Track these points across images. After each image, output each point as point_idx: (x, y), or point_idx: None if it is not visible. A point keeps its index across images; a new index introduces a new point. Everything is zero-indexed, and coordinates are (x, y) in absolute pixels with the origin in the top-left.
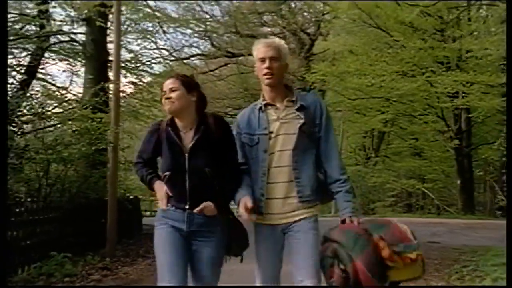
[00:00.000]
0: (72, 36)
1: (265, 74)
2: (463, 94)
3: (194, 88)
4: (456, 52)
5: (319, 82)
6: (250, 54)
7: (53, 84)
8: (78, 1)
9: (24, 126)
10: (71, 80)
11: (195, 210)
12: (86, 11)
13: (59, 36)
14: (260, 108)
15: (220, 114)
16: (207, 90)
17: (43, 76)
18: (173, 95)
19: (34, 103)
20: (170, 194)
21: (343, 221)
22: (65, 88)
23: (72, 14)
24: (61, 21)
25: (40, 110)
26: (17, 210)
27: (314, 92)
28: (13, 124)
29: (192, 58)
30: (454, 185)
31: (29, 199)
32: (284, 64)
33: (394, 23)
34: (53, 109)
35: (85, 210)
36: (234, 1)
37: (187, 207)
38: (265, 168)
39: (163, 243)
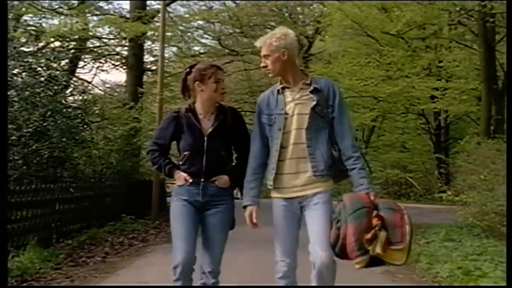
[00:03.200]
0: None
1: (265, 70)
2: (436, 99)
3: None
4: (434, 61)
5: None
6: (254, 53)
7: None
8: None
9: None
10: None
11: (210, 181)
12: (133, 35)
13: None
14: (278, 90)
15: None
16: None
17: (96, 85)
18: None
19: (99, 106)
20: (187, 178)
21: None
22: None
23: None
24: (108, 38)
25: (101, 112)
26: (87, 186)
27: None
28: (86, 122)
29: (202, 56)
30: (433, 175)
31: (92, 180)
32: (278, 56)
33: (380, 33)
34: (110, 110)
35: (133, 187)
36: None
37: (202, 179)
38: (278, 145)
39: (178, 216)
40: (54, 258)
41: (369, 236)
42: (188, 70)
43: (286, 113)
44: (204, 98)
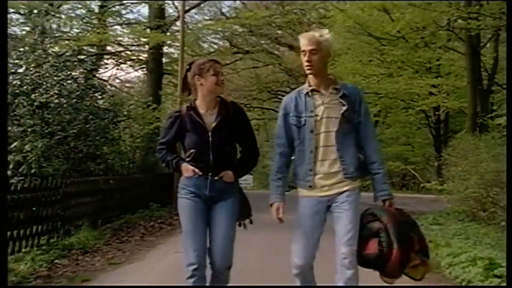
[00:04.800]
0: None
1: (306, 66)
2: (433, 95)
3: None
4: (431, 59)
5: None
6: (262, 51)
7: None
8: (150, 35)
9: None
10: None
11: (218, 176)
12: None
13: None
14: (307, 93)
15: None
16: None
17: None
18: (222, 78)
19: (126, 108)
20: (196, 170)
21: (383, 202)
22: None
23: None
24: (129, 45)
25: (128, 112)
26: (120, 179)
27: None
28: (115, 122)
29: (212, 54)
30: (433, 167)
31: (121, 173)
32: (324, 55)
33: (381, 33)
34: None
35: (156, 179)
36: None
37: (210, 174)
38: (312, 146)
39: (187, 213)
40: (103, 237)
41: (415, 263)
42: (188, 67)
43: (316, 115)
44: (204, 92)
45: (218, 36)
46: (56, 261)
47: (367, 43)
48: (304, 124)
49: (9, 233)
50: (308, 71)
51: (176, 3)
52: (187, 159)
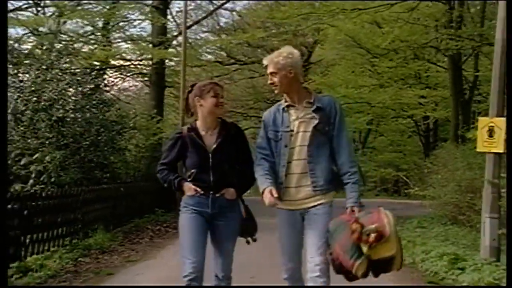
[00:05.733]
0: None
1: (272, 87)
2: (420, 105)
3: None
4: (421, 71)
5: (315, 90)
6: (258, 62)
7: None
8: (154, 51)
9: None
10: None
11: (219, 194)
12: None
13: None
14: (283, 108)
15: (232, 112)
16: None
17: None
18: (223, 100)
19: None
20: (198, 189)
21: (348, 209)
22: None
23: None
24: (132, 60)
25: (133, 124)
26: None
27: (331, 95)
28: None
29: (211, 64)
30: (423, 174)
31: (128, 179)
32: (285, 74)
33: (372, 46)
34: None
35: (160, 187)
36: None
37: (211, 192)
38: (285, 161)
39: (187, 227)
40: (116, 239)
41: (355, 236)
42: (189, 88)
43: (291, 131)
44: (205, 113)
45: (215, 47)
46: (79, 259)
47: (359, 54)
48: (281, 139)
49: (39, 235)
50: (275, 91)
51: (177, 19)
52: (188, 180)
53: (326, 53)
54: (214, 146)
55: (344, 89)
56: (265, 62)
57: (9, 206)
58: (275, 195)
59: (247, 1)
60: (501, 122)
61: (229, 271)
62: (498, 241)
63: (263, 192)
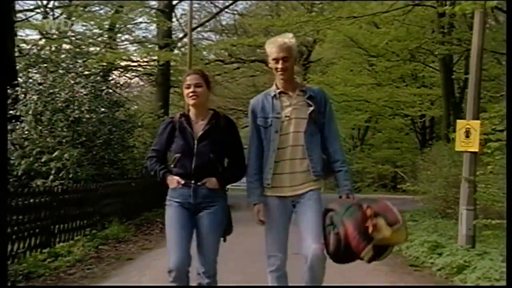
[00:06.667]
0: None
1: (279, 72)
2: (416, 103)
3: (209, 84)
4: (417, 70)
5: None
6: (257, 60)
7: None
8: (160, 54)
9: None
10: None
11: (200, 183)
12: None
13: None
14: (274, 95)
15: (233, 110)
16: (223, 89)
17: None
18: (198, 90)
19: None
20: (180, 180)
21: (341, 197)
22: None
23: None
24: (139, 61)
25: (141, 122)
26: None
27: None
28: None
29: (212, 63)
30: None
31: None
32: (293, 60)
33: (369, 46)
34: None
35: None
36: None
37: (192, 182)
38: (275, 146)
39: (171, 221)
40: (129, 230)
41: (372, 223)
42: None
43: (285, 117)
44: (187, 104)
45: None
46: (100, 247)
47: (357, 53)
48: (270, 125)
49: (65, 225)
50: (281, 77)
51: (182, 22)
52: (172, 166)
53: (325, 52)
54: (201, 133)
55: (342, 87)
56: (274, 45)
57: (41, 199)
58: (262, 218)
59: (248, 2)
60: (477, 124)
61: (210, 267)
62: (474, 230)
63: (254, 205)
